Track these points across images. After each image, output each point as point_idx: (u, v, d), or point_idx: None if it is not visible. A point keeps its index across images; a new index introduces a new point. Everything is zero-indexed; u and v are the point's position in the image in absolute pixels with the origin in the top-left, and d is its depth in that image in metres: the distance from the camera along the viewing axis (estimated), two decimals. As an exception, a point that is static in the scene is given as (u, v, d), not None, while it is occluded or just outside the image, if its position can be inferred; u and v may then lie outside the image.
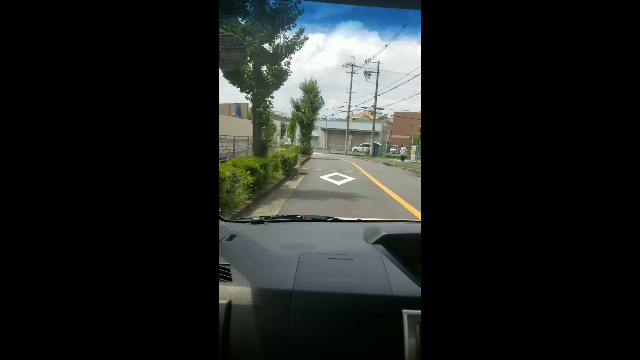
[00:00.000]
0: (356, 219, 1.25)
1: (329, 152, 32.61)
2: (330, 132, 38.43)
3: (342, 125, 37.44)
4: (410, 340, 0.58)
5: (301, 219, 1.21)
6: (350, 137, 31.29)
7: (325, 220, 1.22)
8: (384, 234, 0.94)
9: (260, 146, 7.39)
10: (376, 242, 0.92)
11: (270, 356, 0.61)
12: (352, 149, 31.54)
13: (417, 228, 1.03)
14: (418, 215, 4.23)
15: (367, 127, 38.86)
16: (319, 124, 43.21)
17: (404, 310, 0.61)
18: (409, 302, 0.63)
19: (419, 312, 0.59)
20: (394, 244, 0.91)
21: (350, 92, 31.58)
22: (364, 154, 29.33)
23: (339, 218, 1.24)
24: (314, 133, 44.89)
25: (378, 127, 36.74)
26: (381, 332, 0.61)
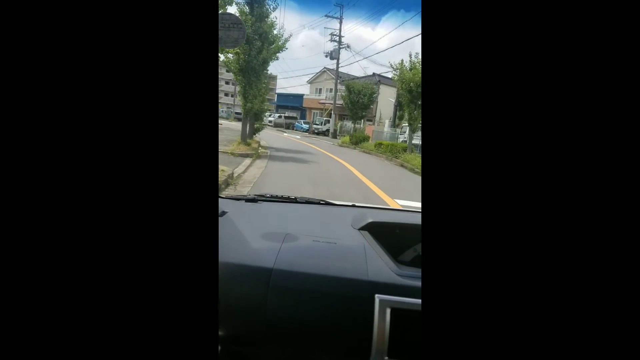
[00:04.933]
0: (350, 204, 1.28)
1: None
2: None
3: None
4: (379, 324, 0.63)
5: (295, 200, 1.24)
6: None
7: (319, 204, 1.25)
8: (370, 220, 0.97)
9: None
10: (362, 229, 0.95)
11: (247, 328, 0.68)
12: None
13: (407, 217, 1.06)
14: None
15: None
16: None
17: (376, 295, 0.65)
18: (384, 287, 0.68)
19: (391, 297, 0.65)
20: (379, 231, 0.94)
21: None
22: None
23: (333, 202, 1.27)
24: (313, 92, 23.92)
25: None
26: (353, 314, 0.66)
